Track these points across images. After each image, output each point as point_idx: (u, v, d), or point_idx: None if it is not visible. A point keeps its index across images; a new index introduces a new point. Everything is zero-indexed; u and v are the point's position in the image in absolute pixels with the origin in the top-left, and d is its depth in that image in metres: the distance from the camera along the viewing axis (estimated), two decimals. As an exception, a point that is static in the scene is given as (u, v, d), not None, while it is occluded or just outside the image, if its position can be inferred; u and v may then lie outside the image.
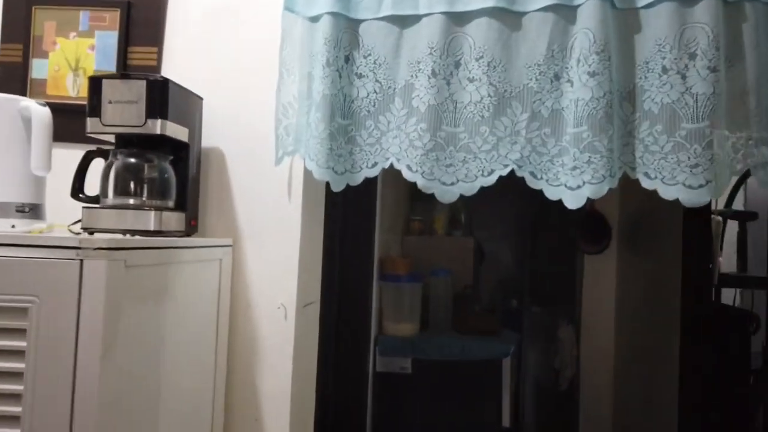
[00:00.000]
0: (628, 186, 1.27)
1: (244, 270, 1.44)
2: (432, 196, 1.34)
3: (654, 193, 1.22)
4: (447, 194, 1.33)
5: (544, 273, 3.71)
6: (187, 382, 1.24)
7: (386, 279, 2.26)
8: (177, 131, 1.26)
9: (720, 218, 2.30)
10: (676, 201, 1.20)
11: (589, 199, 1.23)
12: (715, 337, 2.11)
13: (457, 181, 1.33)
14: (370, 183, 1.48)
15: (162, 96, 1.20)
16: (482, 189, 1.33)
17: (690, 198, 1.19)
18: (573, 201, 1.24)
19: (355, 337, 2.14)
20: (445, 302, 2.34)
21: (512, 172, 1.29)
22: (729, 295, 2.46)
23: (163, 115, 1.19)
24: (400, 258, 2.50)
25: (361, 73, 1.36)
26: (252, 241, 1.45)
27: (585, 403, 3.13)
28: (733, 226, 2.48)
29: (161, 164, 1.26)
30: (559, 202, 1.27)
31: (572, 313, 3.29)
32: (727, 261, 2.48)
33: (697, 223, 2.14)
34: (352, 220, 2.05)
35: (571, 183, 1.24)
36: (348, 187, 1.41)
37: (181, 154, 1.32)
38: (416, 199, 3.00)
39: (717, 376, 2.06)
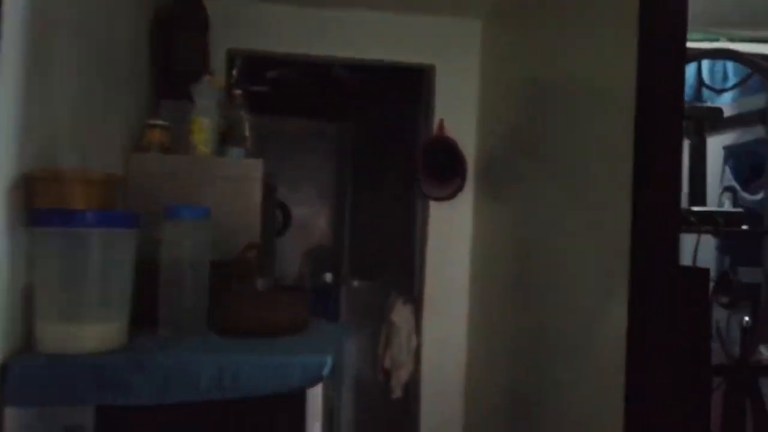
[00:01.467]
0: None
1: None
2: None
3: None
4: None
5: (369, 231, 2.71)
6: None
7: (43, 222, 0.89)
8: None
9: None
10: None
11: None
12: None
13: None
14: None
15: None
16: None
17: None
18: None
19: None
20: (195, 274, 1.04)
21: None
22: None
23: None
24: (80, 173, 1.08)
25: None
26: None
27: (426, 416, 2.20)
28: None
29: None
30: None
31: (410, 288, 2.32)
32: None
33: (661, 124, 1.22)
34: None
35: None
36: None
37: None
38: (169, 87, 1.70)
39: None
